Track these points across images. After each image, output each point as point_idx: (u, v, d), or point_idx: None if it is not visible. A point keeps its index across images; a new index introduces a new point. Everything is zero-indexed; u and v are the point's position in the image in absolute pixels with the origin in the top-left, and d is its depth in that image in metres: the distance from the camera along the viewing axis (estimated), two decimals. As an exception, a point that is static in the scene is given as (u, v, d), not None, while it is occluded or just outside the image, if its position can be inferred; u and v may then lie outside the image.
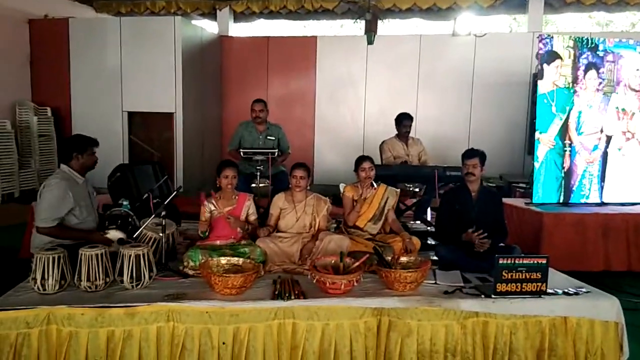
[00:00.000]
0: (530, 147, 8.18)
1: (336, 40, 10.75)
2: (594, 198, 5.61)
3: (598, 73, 5.49)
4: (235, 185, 3.72)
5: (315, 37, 10.56)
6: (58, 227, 3.21)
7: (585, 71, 5.46)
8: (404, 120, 5.54)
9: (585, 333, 2.90)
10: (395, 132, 5.63)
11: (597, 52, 5.50)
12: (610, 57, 5.53)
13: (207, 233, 3.61)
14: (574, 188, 5.54)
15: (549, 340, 2.88)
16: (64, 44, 9.43)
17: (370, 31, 9.21)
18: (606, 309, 2.93)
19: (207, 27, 10.60)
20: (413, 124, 5.69)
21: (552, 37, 5.41)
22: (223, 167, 3.67)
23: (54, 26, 9.51)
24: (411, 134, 5.70)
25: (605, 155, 5.61)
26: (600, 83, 5.51)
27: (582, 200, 5.57)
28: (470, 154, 3.80)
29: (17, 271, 3.17)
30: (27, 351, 2.58)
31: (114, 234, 3.20)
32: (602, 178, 5.63)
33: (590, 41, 5.49)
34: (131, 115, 9.59)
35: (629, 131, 5.67)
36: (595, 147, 5.57)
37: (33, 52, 9.56)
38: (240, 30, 11.25)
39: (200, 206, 3.67)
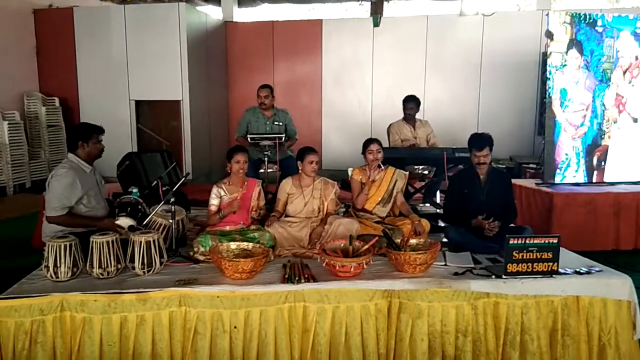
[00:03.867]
0: (540, 127, 8.08)
1: (342, 23, 10.65)
2: (580, 177, 5.53)
3: (582, 50, 5.36)
4: (246, 171, 3.72)
5: (320, 21, 10.47)
6: (68, 216, 3.23)
7: (570, 48, 5.32)
8: (407, 103, 5.50)
9: (598, 312, 2.88)
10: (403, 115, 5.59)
11: (596, 28, 5.35)
12: (609, 33, 5.39)
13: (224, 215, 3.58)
14: (559, 166, 5.46)
15: (562, 320, 2.86)
16: (70, 34, 9.44)
17: (376, 13, 9.12)
18: (618, 287, 2.90)
19: (211, 13, 10.53)
20: (421, 105, 5.64)
21: (549, 14, 5.30)
22: (234, 153, 3.67)
23: (58, 16, 9.51)
24: (419, 116, 5.65)
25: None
26: (586, 60, 5.37)
27: (571, 180, 5.50)
28: (479, 144, 3.67)
29: (31, 260, 3.21)
30: (42, 338, 2.62)
31: (124, 221, 3.21)
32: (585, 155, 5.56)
33: (587, 17, 5.33)
34: (138, 103, 9.61)
35: (621, 104, 5.56)
36: (582, 124, 5.48)
37: (39, 43, 9.57)
38: (244, 15, 11.18)
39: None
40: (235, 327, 2.72)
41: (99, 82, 9.49)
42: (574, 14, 5.29)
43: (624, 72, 5.48)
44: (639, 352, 2.93)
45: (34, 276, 2.93)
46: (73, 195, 3.23)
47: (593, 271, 3.01)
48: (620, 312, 2.90)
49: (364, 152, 3.96)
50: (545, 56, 6.11)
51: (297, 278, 2.83)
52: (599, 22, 5.36)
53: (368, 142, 3.95)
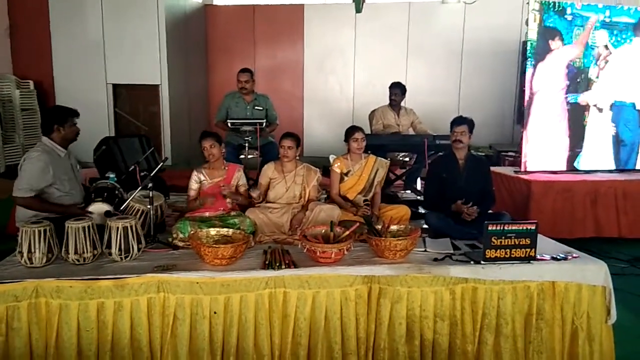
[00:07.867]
0: (519, 116, 8.17)
1: (324, 8, 10.55)
2: (557, 165, 5.63)
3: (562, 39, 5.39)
4: (219, 156, 3.67)
5: (302, 6, 10.35)
6: (35, 199, 3.14)
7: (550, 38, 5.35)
8: (393, 89, 5.51)
9: (573, 297, 2.94)
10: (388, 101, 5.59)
11: (565, 16, 5.36)
12: (578, 21, 5.41)
13: (203, 202, 3.55)
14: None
15: (537, 305, 2.91)
16: (44, 14, 9.16)
17: (359, -1, 9.03)
18: (594, 273, 2.95)
19: (192, -4, 10.31)
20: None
21: (529, 2, 5.33)
22: (201, 139, 3.64)
23: (32, -4, 9.21)
24: (401, 104, 5.65)
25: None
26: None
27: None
28: (459, 120, 3.78)
29: (5, 246, 3.13)
30: (17, 324, 2.56)
31: (100, 207, 3.14)
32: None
33: (557, 5, 5.34)
34: (116, 87, 9.41)
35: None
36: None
37: (12, 23, 9.27)
38: (225, -2, 10.96)
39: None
40: (215, 313, 2.71)
41: (75, 64, 9.25)
42: (543, 2, 5.29)
43: (592, 64, 5.52)
44: (610, 336, 3.00)
45: (7, 262, 2.86)
46: (42, 180, 3.15)
47: (570, 257, 3.07)
48: (594, 297, 2.96)
49: (347, 140, 3.91)
50: (525, 45, 6.15)
51: (277, 264, 2.82)
52: (568, 10, 5.35)
53: (352, 130, 3.89)
